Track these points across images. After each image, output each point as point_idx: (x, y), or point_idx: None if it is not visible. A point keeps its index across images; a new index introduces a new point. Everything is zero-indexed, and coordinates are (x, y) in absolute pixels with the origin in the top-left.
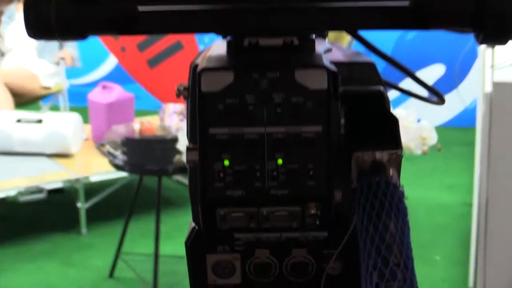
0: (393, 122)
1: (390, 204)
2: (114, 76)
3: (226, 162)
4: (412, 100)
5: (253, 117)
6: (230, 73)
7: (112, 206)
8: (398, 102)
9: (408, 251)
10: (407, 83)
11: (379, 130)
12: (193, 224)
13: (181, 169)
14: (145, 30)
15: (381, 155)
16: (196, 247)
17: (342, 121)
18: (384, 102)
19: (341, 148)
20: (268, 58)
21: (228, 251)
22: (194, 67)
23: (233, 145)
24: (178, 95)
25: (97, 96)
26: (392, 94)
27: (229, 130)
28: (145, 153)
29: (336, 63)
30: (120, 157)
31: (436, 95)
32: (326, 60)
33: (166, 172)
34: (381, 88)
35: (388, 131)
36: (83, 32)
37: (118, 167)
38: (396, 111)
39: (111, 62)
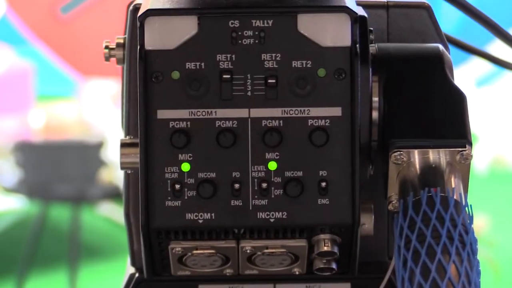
0: (458, 99)
1: (450, 234)
2: None
3: (186, 167)
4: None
5: (230, 94)
6: (193, 19)
7: None
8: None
9: None
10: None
11: (434, 114)
12: (131, 270)
13: (109, 193)
14: None
15: (438, 155)
16: None
17: (376, 100)
18: (443, 68)
19: (372, 144)
20: None
21: None
22: (133, 10)
23: (196, 138)
24: (107, 58)
25: None
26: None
27: (190, 113)
28: (52, 167)
29: (367, 5)
30: (10, 173)
31: None
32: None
33: (85, 198)
34: (440, 46)
35: (449, 115)
36: None
37: (7, 190)
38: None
39: None
